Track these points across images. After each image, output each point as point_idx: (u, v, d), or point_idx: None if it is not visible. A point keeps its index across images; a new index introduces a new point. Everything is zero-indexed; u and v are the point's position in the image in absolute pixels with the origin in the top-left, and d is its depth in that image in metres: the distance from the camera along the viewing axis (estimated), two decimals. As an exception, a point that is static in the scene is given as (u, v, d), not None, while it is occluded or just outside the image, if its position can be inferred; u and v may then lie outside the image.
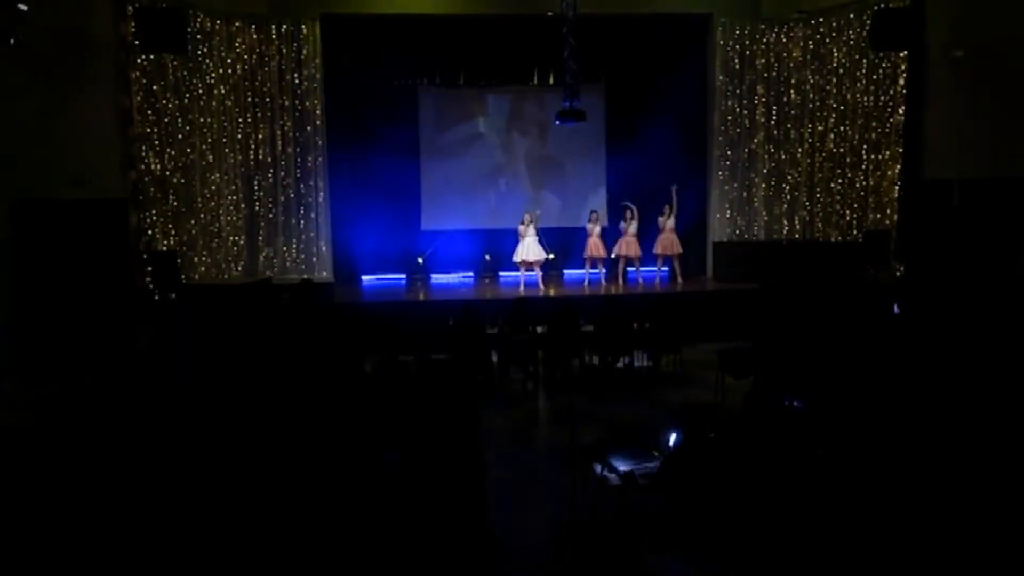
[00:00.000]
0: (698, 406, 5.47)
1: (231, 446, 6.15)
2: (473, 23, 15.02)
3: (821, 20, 14.61)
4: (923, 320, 11.89)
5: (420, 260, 16.14)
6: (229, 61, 13.94)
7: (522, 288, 14.33)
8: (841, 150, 14.53)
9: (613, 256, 14.91)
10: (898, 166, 13.60)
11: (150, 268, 12.49)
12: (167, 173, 12.89)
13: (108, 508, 4.86)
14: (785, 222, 15.33)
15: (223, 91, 13.86)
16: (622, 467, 5.30)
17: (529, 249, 14.08)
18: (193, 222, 13.40)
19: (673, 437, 5.25)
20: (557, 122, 13.42)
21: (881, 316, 9.84)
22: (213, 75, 13.68)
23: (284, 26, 14.25)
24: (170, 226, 12.96)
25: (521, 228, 14.19)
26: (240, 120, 14.17)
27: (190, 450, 6.03)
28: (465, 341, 10.54)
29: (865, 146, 14.13)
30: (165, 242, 12.83)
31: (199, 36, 13.38)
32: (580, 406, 9.65)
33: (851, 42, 14.24)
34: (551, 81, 15.36)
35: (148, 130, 12.59)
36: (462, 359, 10.37)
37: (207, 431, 6.59)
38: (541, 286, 14.40)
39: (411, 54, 15.19)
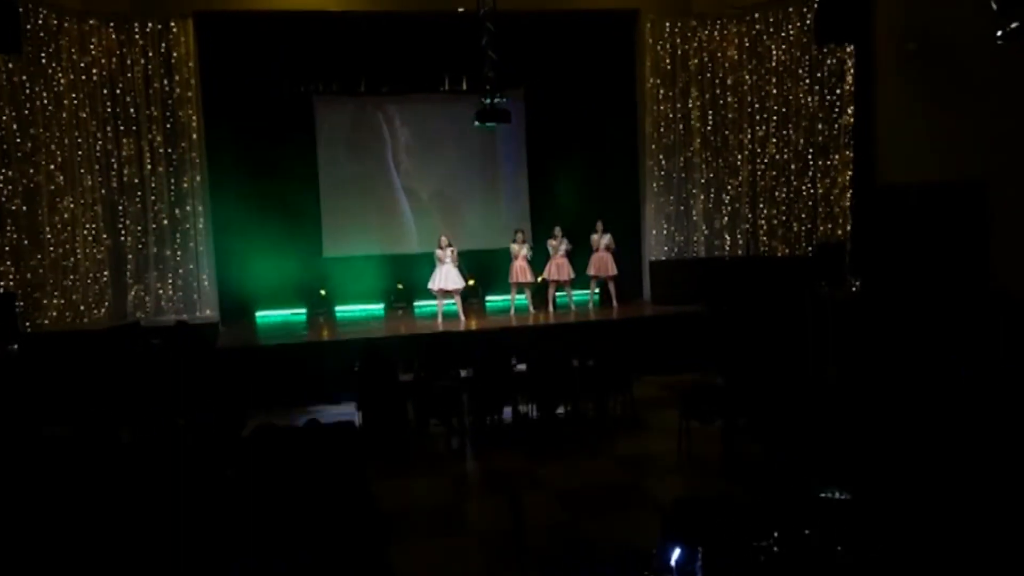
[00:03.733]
0: (697, 503, 3.76)
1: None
2: (373, 22, 13.20)
3: (757, 15, 13.36)
4: (887, 341, 10.66)
5: (323, 292, 14.17)
6: (83, 65, 11.78)
7: (440, 320, 12.54)
8: (785, 156, 13.26)
9: (540, 280, 13.26)
10: (849, 172, 12.37)
11: (-18, 315, 10.16)
12: (3, 200, 10.64)
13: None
14: (727, 236, 13.97)
15: (76, 100, 11.68)
16: (607, 607, 3.55)
17: (448, 276, 12.28)
18: (40, 257, 11.16)
19: (676, 555, 3.53)
20: (476, 123, 11.69)
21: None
22: (63, 81, 11.50)
23: (150, 24, 12.16)
24: (8, 263, 10.69)
25: (439, 252, 12.38)
26: (98, 135, 11.98)
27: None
28: (373, 391, 8.66)
29: (812, 151, 12.88)
30: (1, 283, 10.54)
31: (42, 34, 11.20)
32: (517, 467, 7.88)
33: (791, 38, 13.01)
34: (464, 86, 13.66)
35: (-24, 147, 10.34)
36: (369, 415, 8.50)
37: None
38: (462, 317, 12.62)
39: (303, 58, 13.24)
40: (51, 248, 11.31)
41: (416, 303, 14.39)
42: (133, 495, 6.00)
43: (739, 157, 13.78)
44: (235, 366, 10.53)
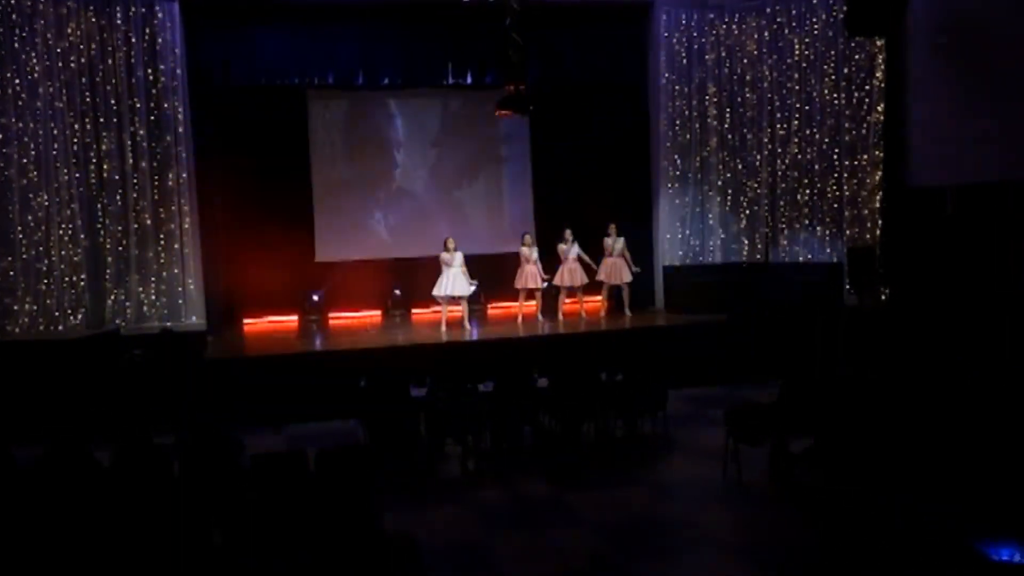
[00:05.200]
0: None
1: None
2: (372, 10, 12.37)
3: (779, 7, 12.68)
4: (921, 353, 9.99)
5: (316, 297, 13.32)
6: (59, 51, 10.88)
7: (444, 328, 11.71)
8: (808, 156, 12.59)
9: (547, 283, 12.43)
10: (879, 173, 11.70)
11: (-54, 322, 9.26)
12: (-30, 195, 9.74)
13: None
14: (745, 241, 13.25)
15: (51, 89, 10.79)
16: None
17: (455, 281, 11.48)
18: (11, 259, 10.33)
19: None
20: (497, 113, 10.94)
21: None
22: (37, 69, 10.64)
23: (133, 8, 11.27)
24: (-25, 265, 9.78)
25: (445, 256, 11.58)
26: (76, 126, 11.06)
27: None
28: (382, 408, 7.83)
29: (838, 150, 12.22)
30: (-33, 287, 9.65)
31: (15, 16, 10.37)
32: (545, 495, 7.08)
33: (815, 31, 12.36)
34: (469, 80, 12.87)
35: (-59, 138, 9.43)
36: (378, 435, 7.67)
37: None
38: (467, 325, 11.83)
39: (297, 48, 12.36)
40: (23, 249, 10.49)
41: (415, 310, 13.59)
42: (113, 530, 5.18)
43: (758, 157, 13.08)
44: (226, 379, 9.67)
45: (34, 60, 10.57)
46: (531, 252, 12.05)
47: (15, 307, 10.31)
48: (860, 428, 6.10)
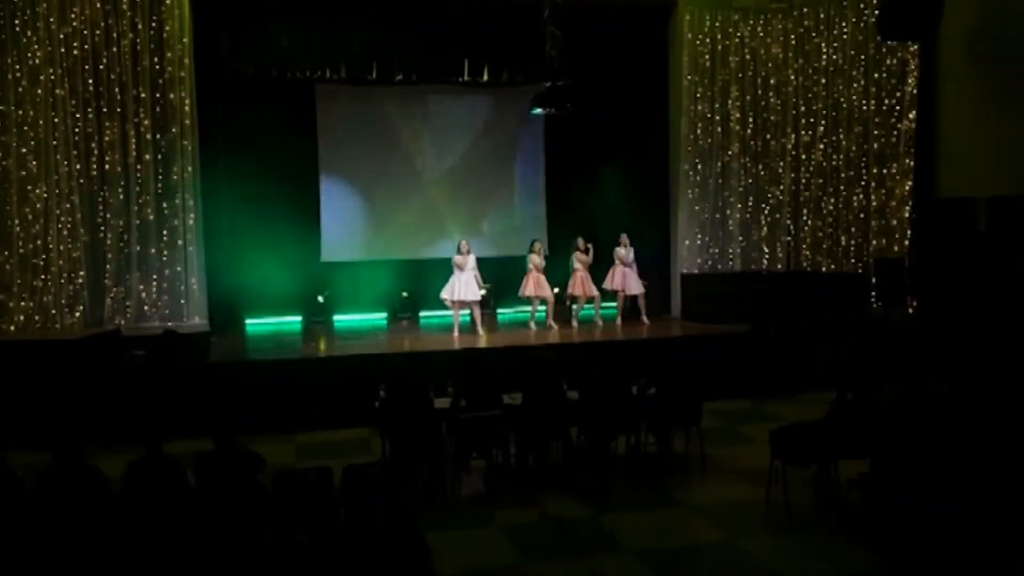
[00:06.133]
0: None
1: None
2: (385, 3, 11.93)
3: (806, 11, 12.34)
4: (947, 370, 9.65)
5: (320, 298, 12.91)
6: (62, 37, 10.40)
7: (456, 334, 11.30)
8: (834, 164, 12.25)
9: (556, 293, 12.06)
10: (908, 182, 11.36)
11: (-63, 319, 8.78)
12: (-34, 185, 9.26)
13: None
14: (766, 249, 12.89)
15: (53, 77, 10.32)
16: None
17: (467, 286, 11.07)
18: (7, 253, 9.85)
19: None
20: (537, 111, 10.70)
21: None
22: (38, 55, 10.19)
23: (139, -7, 10.79)
24: (-30, 259, 9.30)
25: (458, 259, 11.16)
26: (78, 116, 10.55)
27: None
28: (403, 420, 7.39)
29: (865, 158, 11.88)
30: (-38, 282, 9.16)
31: (16, 1, 9.82)
32: (580, 516, 6.67)
33: (844, 36, 12.02)
34: (485, 76, 12.47)
35: (-64, 125, 8.95)
36: (399, 449, 7.24)
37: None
38: (480, 331, 11.41)
39: (308, 40, 11.91)
40: (20, 243, 10.05)
41: (423, 313, 13.18)
42: (122, 554, 4.75)
43: (781, 163, 12.74)
44: (231, 383, 9.21)
45: (35, 45, 10.12)
46: (542, 261, 11.67)
47: (11, 304, 9.84)
48: (928, 448, 5.72)
